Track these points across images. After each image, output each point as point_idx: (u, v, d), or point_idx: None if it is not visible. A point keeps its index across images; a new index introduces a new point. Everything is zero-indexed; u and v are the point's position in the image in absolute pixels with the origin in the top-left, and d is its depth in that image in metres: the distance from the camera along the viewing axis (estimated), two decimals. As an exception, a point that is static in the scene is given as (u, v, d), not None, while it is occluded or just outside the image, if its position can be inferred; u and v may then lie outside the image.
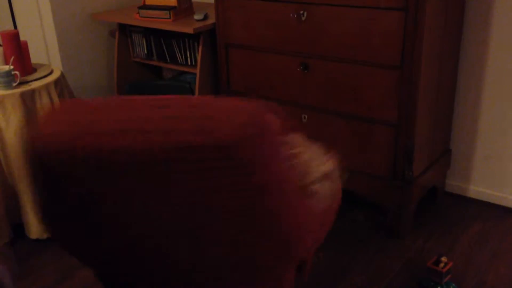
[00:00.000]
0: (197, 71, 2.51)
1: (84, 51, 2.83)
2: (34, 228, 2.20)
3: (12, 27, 2.70)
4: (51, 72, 2.31)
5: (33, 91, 2.14)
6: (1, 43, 2.22)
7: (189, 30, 2.38)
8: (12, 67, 2.12)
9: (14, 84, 2.11)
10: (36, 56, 2.60)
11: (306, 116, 2.23)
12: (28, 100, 2.12)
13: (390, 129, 2.04)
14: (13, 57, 2.15)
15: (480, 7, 2.15)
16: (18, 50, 2.21)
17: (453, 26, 2.13)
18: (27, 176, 2.15)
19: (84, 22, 2.78)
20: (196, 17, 2.49)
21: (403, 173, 2.07)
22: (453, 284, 1.87)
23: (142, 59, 2.83)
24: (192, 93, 2.32)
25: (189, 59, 2.62)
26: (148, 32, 2.71)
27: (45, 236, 2.18)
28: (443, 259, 1.88)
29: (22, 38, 2.24)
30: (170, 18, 2.50)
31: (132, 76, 2.87)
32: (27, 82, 2.18)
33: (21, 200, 2.19)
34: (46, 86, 2.18)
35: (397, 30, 1.87)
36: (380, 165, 2.12)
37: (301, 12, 2.06)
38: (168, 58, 2.70)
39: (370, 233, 2.23)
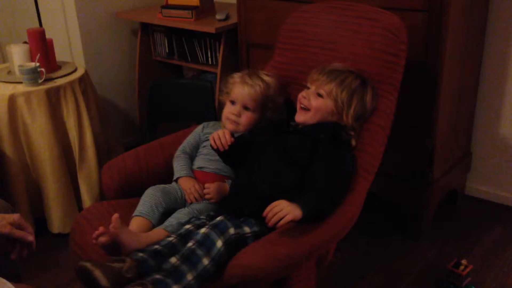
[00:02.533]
0: (218, 70, 2.53)
1: (107, 49, 2.87)
2: (56, 222, 2.24)
3: (37, 26, 2.74)
4: (75, 70, 2.35)
5: (58, 88, 2.17)
6: (28, 41, 2.26)
7: (211, 29, 2.40)
8: (38, 64, 2.16)
9: (40, 81, 2.15)
10: (60, 54, 2.64)
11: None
12: (53, 97, 2.16)
13: (411, 129, 2.03)
14: (39, 55, 2.19)
15: (504, 7, 2.13)
16: (44, 47, 2.25)
17: (476, 28, 2.11)
18: (51, 171, 2.19)
19: (107, 21, 2.82)
20: (218, 17, 2.51)
21: (423, 175, 2.07)
22: (473, 287, 1.86)
23: (163, 58, 2.86)
24: (213, 93, 2.34)
25: (210, 59, 2.64)
26: (170, 31, 2.74)
27: (66, 230, 2.22)
28: (464, 261, 1.87)
29: (47, 36, 2.28)
30: (192, 17, 2.52)
31: (153, 75, 2.90)
32: (52, 79, 2.22)
33: (44, 195, 2.23)
34: (71, 83, 2.22)
35: (420, 31, 1.87)
36: (401, 166, 2.12)
37: (324, 12, 2.06)
38: (189, 57, 2.72)
39: (389, 234, 2.22)
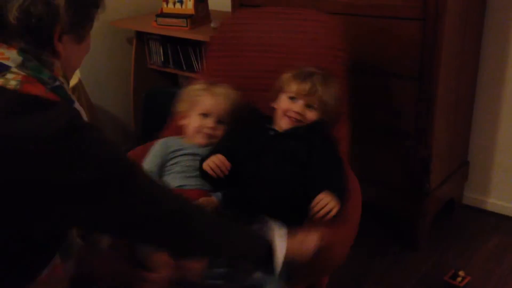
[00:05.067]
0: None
1: (102, 57, 2.86)
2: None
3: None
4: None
5: (51, 97, 2.15)
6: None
7: (205, 38, 2.38)
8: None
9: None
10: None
11: (322, 126, 2.22)
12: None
13: (407, 140, 2.01)
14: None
15: (500, 17, 2.12)
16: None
17: (472, 36, 2.10)
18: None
19: (102, 29, 2.80)
20: (213, 25, 2.49)
21: (420, 185, 2.05)
22: (471, 299, 1.84)
23: (158, 66, 2.84)
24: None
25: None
26: (165, 40, 2.73)
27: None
28: (461, 273, 1.85)
29: None
30: (187, 26, 2.51)
31: (148, 83, 2.89)
32: (45, 88, 2.20)
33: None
34: (64, 92, 2.20)
35: (415, 40, 1.86)
36: (397, 176, 2.10)
37: (319, 21, 2.05)
38: (184, 66, 2.71)
39: (386, 244, 2.20)
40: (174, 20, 2.54)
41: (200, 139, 1.58)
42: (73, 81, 2.29)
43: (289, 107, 1.53)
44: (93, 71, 2.82)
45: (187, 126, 1.62)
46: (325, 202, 1.28)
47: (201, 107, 1.59)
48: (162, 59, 2.80)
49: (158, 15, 2.60)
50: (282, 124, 1.53)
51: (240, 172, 1.46)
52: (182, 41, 2.62)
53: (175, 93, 2.49)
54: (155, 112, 2.36)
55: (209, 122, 1.58)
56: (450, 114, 2.09)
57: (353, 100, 2.07)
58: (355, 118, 2.09)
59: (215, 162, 1.42)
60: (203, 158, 1.47)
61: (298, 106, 1.52)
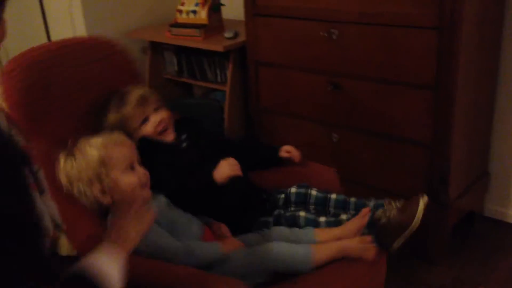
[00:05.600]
0: (227, 88, 2.50)
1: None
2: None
3: (47, 45, 2.74)
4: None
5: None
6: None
7: (219, 48, 2.37)
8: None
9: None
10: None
11: (337, 136, 2.18)
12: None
13: (423, 150, 1.96)
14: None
15: (521, 24, 2.06)
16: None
17: (490, 45, 2.04)
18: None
19: (117, 40, 2.81)
20: (226, 35, 2.48)
21: (438, 197, 1.99)
22: (491, 316, 1.77)
23: (173, 76, 2.84)
24: (222, 111, 2.30)
25: (219, 77, 2.61)
26: (179, 50, 2.72)
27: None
28: (481, 289, 1.78)
29: None
30: (200, 36, 2.49)
31: (163, 93, 2.86)
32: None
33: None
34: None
35: (431, 49, 1.81)
36: (414, 188, 2.04)
37: (332, 30, 2.02)
38: (198, 76, 2.70)
39: (402, 258, 2.14)
40: (187, 30, 2.53)
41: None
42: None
43: (156, 123, 1.61)
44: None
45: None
46: (293, 149, 1.70)
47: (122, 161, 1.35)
48: (177, 69, 2.80)
49: (171, 25, 2.59)
50: (167, 137, 1.63)
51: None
52: (196, 50, 2.61)
53: (188, 104, 2.50)
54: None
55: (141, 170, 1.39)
56: (469, 124, 2.03)
57: (366, 109, 2.05)
58: (367, 127, 2.07)
59: (234, 164, 1.53)
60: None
61: (158, 116, 1.63)
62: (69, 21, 2.69)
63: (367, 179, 2.15)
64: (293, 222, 1.50)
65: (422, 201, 1.42)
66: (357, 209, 1.51)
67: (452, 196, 2.02)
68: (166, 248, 1.29)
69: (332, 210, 1.58)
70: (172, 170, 1.52)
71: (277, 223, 1.52)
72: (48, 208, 0.93)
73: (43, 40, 2.74)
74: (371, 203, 1.54)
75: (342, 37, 2.01)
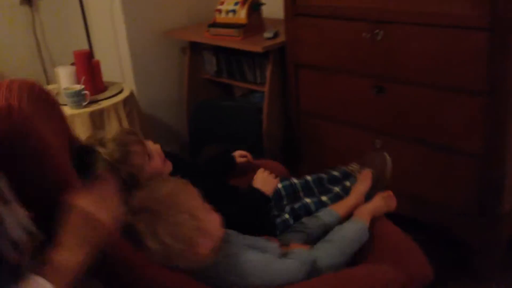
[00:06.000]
0: (266, 90, 2.43)
1: (156, 68, 2.84)
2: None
3: (87, 46, 2.75)
4: (121, 91, 2.32)
5: (101, 110, 2.15)
6: (74, 62, 2.26)
7: (258, 49, 2.29)
8: (82, 86, 2.14)
9: (84, 104, 2.13)
10: (110, 74, 2.64)
11: (380, 142, 2.07)
12: (96, 119, 2.14)
13: (474, 160, 1.83)
14: (84, 77, 2.18)
15: None
16: (90, 69, 2.24)
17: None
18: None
19: (157, 40, 2.79)
20: (266, 35, 2.40)
21: (491, 209, 1.85)
22: None
23: (212, 76, 2.79)
24: (259, 114, 2.22)
25: (258, 77, 2.54)
26: (218, 50, 2.67)
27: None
28: (535, 312, 1.65)
29: (97, 55, 2.26)
30: (239, 36, 2.43)
31: (202, 93, 2.85)
32: (97, 101, 2.20)
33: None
34: (115, 105, 2.19)
35: (484, 52, 1.67)
36: (464, 199, 1.91)
37: (376, 31, 1.91)
38: (237, 76, 2.64)
39: (448, 272, 2.01)
40: (226, 30, 2.47)
41: None
42: (124, 94, 2.28)
43: (159, 155, 1.42)
44: (148, 81, 2.82)
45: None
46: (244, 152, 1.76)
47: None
48: (216, 69, 2.74)
49: (210, 25, 2.54)
50: (166, 169, 1.43)
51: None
52: (236, 50, 2.54)
53: (224, 106, 2.44)
54: (203, 126, 2.30)
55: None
56: (525, 132, 1.88)
57: (412, 115, 1.93)
58: (413, 134, 1.95)
59: (269, 173, 1.56)
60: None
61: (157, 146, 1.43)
62: (109, 23, 2.68)
63: (411, 189, 2.04)
64: (306, 211, 1.57)
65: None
66: (344, 178, 1.69)
67: (506, 208, 1.88)
68: (283, 270, 1.24)
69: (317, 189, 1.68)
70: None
71: (295, 216, 1.56)
72: (17, 217, 0.89)
73: (84, 42, 2.75)
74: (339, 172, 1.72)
75: (387, 38, 1.89)
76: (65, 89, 2.13)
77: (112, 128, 2.17)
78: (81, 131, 2.10)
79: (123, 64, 2.78)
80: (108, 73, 2.54)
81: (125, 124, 2.21)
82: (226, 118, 2.26)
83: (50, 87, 2.34)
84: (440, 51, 1.78)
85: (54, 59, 2.80)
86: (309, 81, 2.27)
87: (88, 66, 2.22)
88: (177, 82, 2.93)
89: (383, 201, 1.54)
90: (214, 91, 2.93)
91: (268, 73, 2.41)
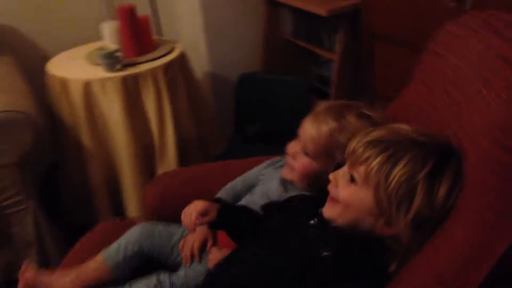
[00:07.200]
0: (336, 61, 1.98)
1: (230, 24, 2.52)
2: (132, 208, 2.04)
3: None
4: (168, 53, 2.05)
5: (137, 76, 1.91)
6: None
7: (321, 11, 1.84)
8: (117, 48, 1.91)
9: (118, 67, 1.90)
10: (176, 30, 2.39)
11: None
12: (131, 85, 1.90)
13: None
14: (118, 47, 1.95)
15: None
16: (133, 26, 1.99)
17: None
18: (128, 166, 1.98)
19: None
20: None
21: None
22: None
23: (289, 37, 2.39)
24: (307, 95, 1.81)
25: (333, 44, 2.09)
26: (296, 9, 2.24)
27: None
28: None
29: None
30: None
31: (279, 55, 2.47)
32: (136, 64, 1.96)
33: (122, 191, 2.04)
34: (153, 70, 1.93)
35: None
36: None
37: (466, -2, 1.36)
38: (313, 40, 2.21)
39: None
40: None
41: (284, 170, 1.19)
42: (167, 58, 2.01)
43: (330, 177, 0.94)
44: (220, 39, 2.51)
45: None
46: None
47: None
48: (292, 29, 2.34)
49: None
50: (323, 209, 0.95)
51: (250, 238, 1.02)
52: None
53: (270, 80, 2.07)
54: (247, 101, 1.96)
55: (293, 147, 1.16)
56: None
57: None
58: None
59: (186, 212, 1.04)
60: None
61: (339, 172, 0.92)
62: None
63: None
64: None
65: None
66: None
67: None
68: None
69: None
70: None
71: None
72: None
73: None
74: None
75: (476, 6, 1.34)
76: (99, 49, 1.92)
77: (149, 98, 1.93)
78: (113, 96, 1.89)
79: (195, 20, 2.51)
80: (169, 30, 2.28)
81: (164, 92, 1.95)
82: (272, 93, 1.90)
83: (96, 44, 2.15)
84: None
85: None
86: (386, 55, 1.78)
87: (131, 23, 1.98)
88: (253, 42, 2.58)
89: None
90: (292, 53, 2.52)
91: (339, 42, 1.95)
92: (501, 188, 0.74)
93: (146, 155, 2.01)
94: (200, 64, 2.59)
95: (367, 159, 0.84)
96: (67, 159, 2.05)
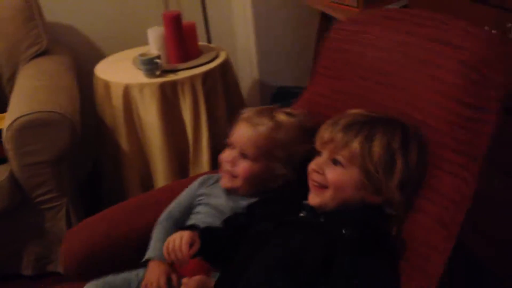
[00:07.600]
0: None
1: (281, 34, 2.48)
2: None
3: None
4: (211, 60, 2.04)
5: (175, 83, 1.91)
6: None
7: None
8: (157, 54, 1.93)
9: (157, 73, 1.92)
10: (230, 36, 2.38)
11: None
12: (169, 92, 1.91)
13: None
14: (160, 54, 1.96)
15: None
16: (178, 33, 1.99)
17: None
18: (162, 171, 1.99)
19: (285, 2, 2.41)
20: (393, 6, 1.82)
21: None
22: None
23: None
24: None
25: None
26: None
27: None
28: None
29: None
30: (357, 6, 1.89)
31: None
32: (176, 70, 1.97)
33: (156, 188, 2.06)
34: (191, 78, 1.93)
35: None
36: None
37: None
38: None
39: None
40: (344, -1, 1.95)
41: (222, 180, 1.21)
42: (208, 66, 2.00)
43: (309, 169, 1.02)
44: (270, 48, 2.48)
45: None
46: None
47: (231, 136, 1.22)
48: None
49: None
50: (310, 199, 1.01)
51: (236, 252, 1.01)
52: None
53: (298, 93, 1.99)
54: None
55: (229, 154, 1.19)
56: None
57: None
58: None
59: (171, 245, 0.97)
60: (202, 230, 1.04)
61: (319, 160, 1.01)
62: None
63: None
64: None
65: None
66: None
67: None
68: None
69: None
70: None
71: None
72: None
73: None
74: None
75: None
76: (141, 55, 1.95)
77: (186, 105, 1.93)
78: (150, 102, 1.91)
79: (246, 28, 2.48)
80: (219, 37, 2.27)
81: (201, 100, 1.94)
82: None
83: (144, 49, 2.18)
84: None
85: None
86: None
87: (175, 29, 1.98)
88: (304, 53, 2.51)
89: None
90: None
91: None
92: (459, 136, 0.97)
93: (181, 160, 2.01)
94: (251, 71, 2.57)
95: (347, 142, 0.97)
96: (106, 161, 2.10)
